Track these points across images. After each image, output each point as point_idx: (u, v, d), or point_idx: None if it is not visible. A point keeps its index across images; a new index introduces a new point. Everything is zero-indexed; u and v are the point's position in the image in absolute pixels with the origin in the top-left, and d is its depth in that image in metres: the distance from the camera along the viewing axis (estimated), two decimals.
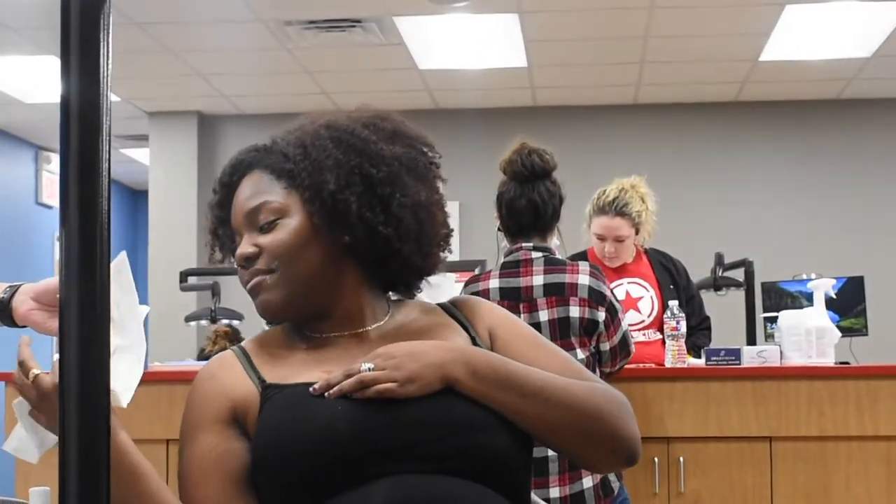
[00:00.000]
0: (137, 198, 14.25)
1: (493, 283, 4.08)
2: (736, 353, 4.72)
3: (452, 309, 2.17)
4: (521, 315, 3.99)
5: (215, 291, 6.26)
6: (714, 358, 4.73)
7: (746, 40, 8.83)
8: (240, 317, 6.31)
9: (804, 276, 6.29)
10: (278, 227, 2.03)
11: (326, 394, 1.90)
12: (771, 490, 4.55)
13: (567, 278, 4.04)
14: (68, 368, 1.16)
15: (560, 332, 4.00)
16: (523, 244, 4.14)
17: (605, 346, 4.08)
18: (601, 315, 4.03)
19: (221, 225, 2.12)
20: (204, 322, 6.40)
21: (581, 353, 4.00)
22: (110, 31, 1.19)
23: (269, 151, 2.10)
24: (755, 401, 4.58)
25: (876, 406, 4.56)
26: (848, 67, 9.52)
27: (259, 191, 2.05)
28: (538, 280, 4.05)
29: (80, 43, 1.18)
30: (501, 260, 4.18)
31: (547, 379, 1.98)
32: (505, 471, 1.94)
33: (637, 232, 5.32)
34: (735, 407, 4.59)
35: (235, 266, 2.08)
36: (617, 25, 8.42)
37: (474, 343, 2.08)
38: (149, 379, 4.83)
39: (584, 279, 4.04)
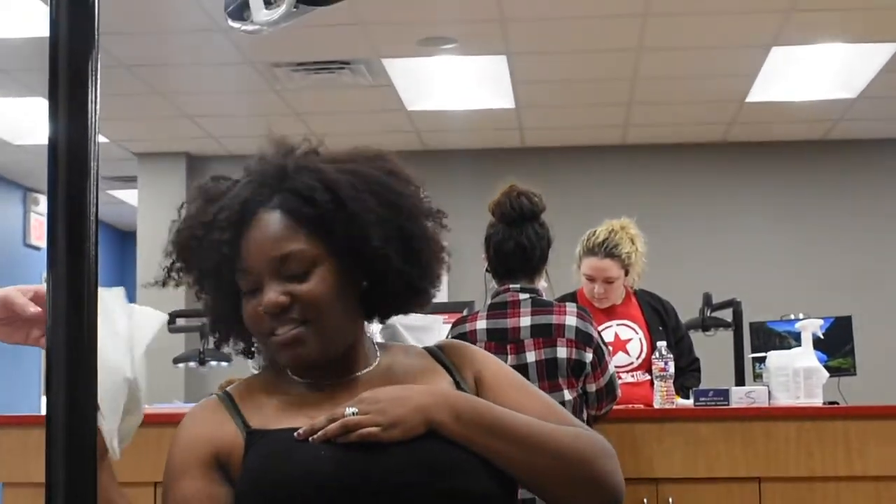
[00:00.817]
0: (125, 239, 14.25)
1: (481, 325, 4.07)
2: (724, 394, 4.72)
3: (439, 353, 2.16)
4: (508, 356, 3.99)
5: (203, 333, 6.24)
6: (702, 399, 4.72)
7: (733, 82, 8.88)
8: (228, 359, 6.29)
9: (792, 317, 6.30)
10: (313, 277, 1.98)
11: (311, 438, 1.89)
12: None
13: (554, 319, 4.04)
14: (56, 411, 1.16)
15: (547, 373, 3.99)
16: (510, 286, 4.14)
17: (592, 388, 4.07)
18: (588, 356, 4.02)
19: (227, 263, 2.02)
20: (192, 364, 6.37)
21: (569, 395, 3.99)
22: (98, 73, 1.19)
23: (274, 189, 2.02)
24: (744, 442, 4.57)
25: (865, 446, 4.55)
26: (834, 108, 9.57)
27: (284, 236, 1.98)
28: (525, 321, 4.04)
29: (69, 85, 1.18)
30: (489, 301, 4.18)
31: (531, 424, 1.98)
32: None
33: (627, 273, 5.33)
34: (724, 448, 4.58)
35: (250, 311, 2.01)
36: (605, 67, 8.45)
37: (458, 388, 2.07)
38: None
39: (571, 320, 4.04)
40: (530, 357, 4.00)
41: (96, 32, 1.21)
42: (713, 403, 4.69)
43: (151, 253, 10.19)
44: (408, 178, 2.11)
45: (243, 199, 2.00)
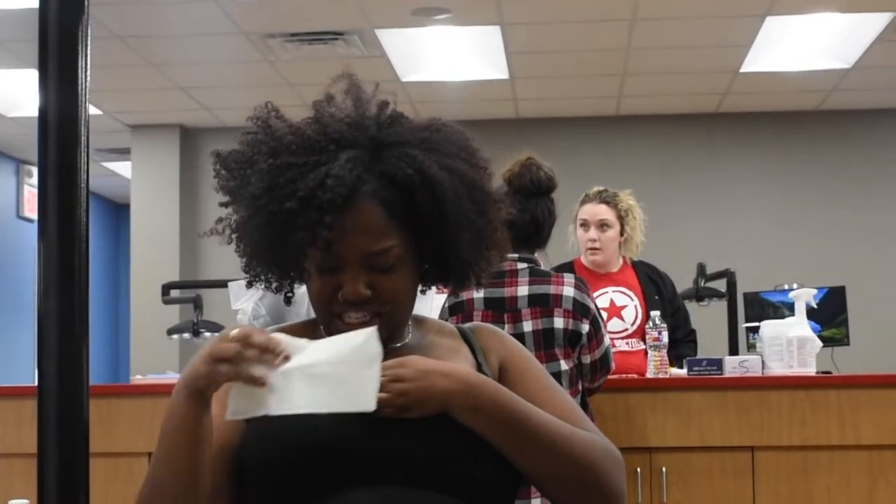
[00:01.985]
0: (120, 211, 14.23)
1: (478, 293, 4.06)
2: (718, 363, 4.73)
3: (469, 335, 2.17)
4: (505, 325, 3.98)
5: (197, 304, 6.24)
6: (696, 368, 4.73)
7: (727, 52, 8.86)
8: (221, 330, 6.29)
9: (786, 287, 6.30)
10: (396, 272, 1.98)
11: None
12: (753, 500, 4.55)
13: (552, 290, 4.03)
14: (47, 379, 1.16)
15: (544, 343, 3.99)
16: (509, 255, 4.14)
17: (587, 360, 4.08)
18: (585, 327, 4.03)
19: (328, 249, 1.95)
20: (186, 335, 6.38)
21: (565, 365, 4.00)
22: (88, 44, 1.19)
23: (368, 167, 1.96)
24: (737, 411, 4.58)
25: (857, 415, 4.56)
26: (828, 79, 9.56)
27: (382, 232, 1.96)
28: (523, 291, 4.04)
29: (59, 56, 1.18)
30: None
31: (548, 425, 1.97)
32: (487, 495, 1.94)
33: (622, 227, 5.38)
34: (717, 417, 4.59)
35: (323, 289, 1.99)
36: (598, 38, 8.44)
37: (480, 371, 2.07)
38: (130, 392, 4.83)
39: (568, 291, 4.04)
40: (527, 327, 4.00)
41: (86, 2, 1.21)
42: (707, 373, 4.70)
43: (145, 225, 10.14)
44: (486, 165, 2.11)
45: (349, 182, 1.92)
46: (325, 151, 1.97)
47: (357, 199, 1.93)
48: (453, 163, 2.02)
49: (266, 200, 1.95)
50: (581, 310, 4.03)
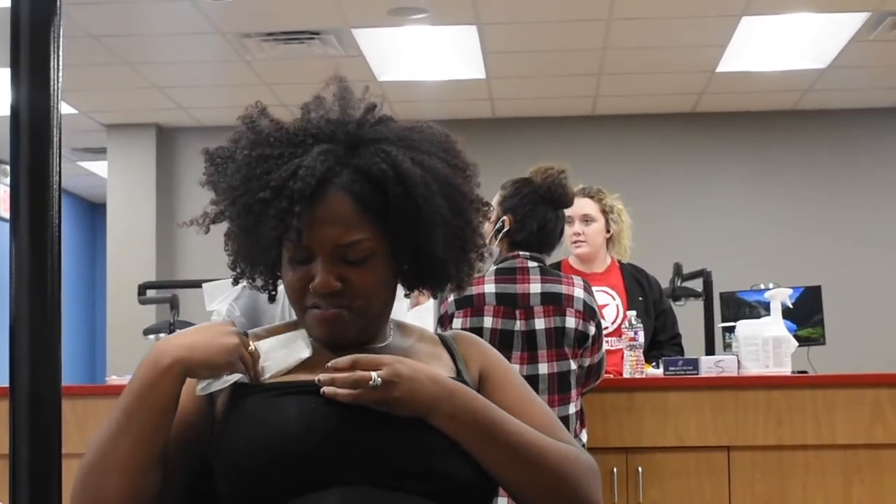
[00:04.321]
0: (96, 211, 14.18)
1: (489, 288, 4.09)
2: (693, 363, 4.74)
3: (450, 342, 2.17)
4: (518, 321, 4.04)
5: (174, 304, 6.23)
6: (672, 368, 4.74)
7: (703, 52, 8.88)
8: None
9: (762, 286, 6.31)
10: (368, 266, 1.98)
11: (323, 390, 1.87)
12: (729, 499, 4.57)
13: (564, 289, 4.09)
14: (19, 381, 1.15)
15: (556, 341, 4.04)
16: (521, 252, 4.17)
17: (586, 362, 4.14)
18: (592, 329, 4.10)
19: (299, 239, 1.96)
20: (163, 335, 6.36)
21: (573, 364, 4.05)
22: (60, 43, 1.19)
23: (343, 161, 1.97)
24: (713, 410, 4.60)
25: (833, 415, 4.58)
26: (804, 78, 9.59)
27: (352, 224, 1.95)
28: (535, 288, 4.09)
29: (31, 55, 1.18)
30: (493, 267, 4.17)
31: (524, 435, 1.97)
32: (464, 497, 1.94)
33: (606, 222, 5.43)
34: (693, 417, 4.60)
35: (295, 280, 2.00)
36: (575, 37, 8.45)
37: (459, 376, 2.07)
38: (105, 392, 4.82)
39: (579, 292, 4.11)
40: (539, 324, 4.04)
41: (59, 1, 1.20)
42: (683, 373, 4.71)
43: (121, 225, 10.08)
44: (466, 167, 2.11)
45: (319, 173, 1.93)
46: (302, 145, 1.98)
47: (328, 190, 1.94)
48: (429, 160, 2.02)
49: (242, 191, 1.97)
50: (589, 312, 4.11)
